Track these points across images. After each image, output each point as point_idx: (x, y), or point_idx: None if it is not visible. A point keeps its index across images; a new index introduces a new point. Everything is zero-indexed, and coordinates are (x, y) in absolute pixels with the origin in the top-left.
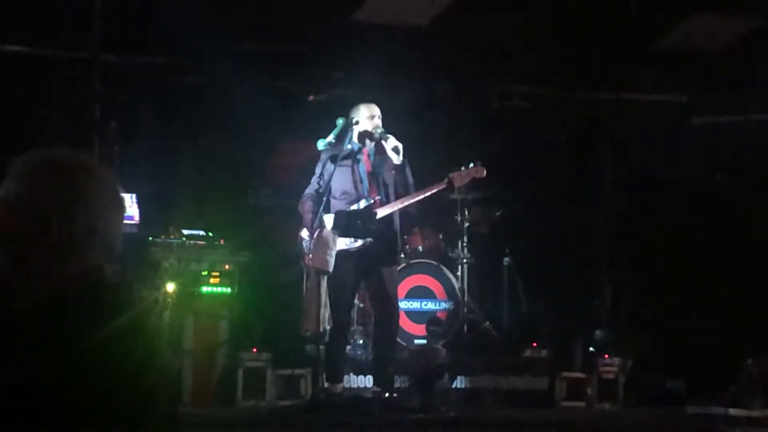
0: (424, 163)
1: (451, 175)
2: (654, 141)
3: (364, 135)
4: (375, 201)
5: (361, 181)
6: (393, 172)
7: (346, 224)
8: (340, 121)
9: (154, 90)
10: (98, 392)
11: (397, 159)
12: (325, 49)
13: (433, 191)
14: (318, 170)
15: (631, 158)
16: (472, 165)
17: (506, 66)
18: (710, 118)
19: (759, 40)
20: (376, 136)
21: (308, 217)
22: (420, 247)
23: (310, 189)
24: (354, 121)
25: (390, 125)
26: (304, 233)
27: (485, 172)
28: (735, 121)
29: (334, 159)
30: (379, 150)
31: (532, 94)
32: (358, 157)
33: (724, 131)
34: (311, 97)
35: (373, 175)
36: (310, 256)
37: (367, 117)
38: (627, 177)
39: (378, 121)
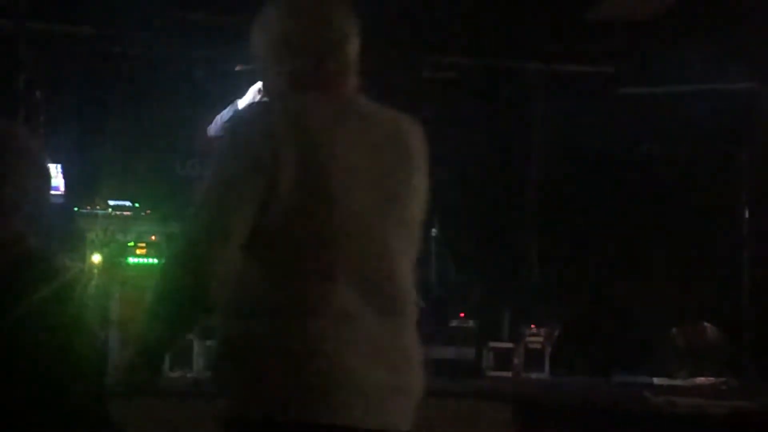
0: None
1: None
2: (583, 111)
3: None
4: None
5: None
6: None
7: None
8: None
9: (81, 59)
10: (24, 362)
11: None
12: (253, 18)
13: None
14: None
15: (560, 128)
16: None
17: (437, 36)
18: (639, 89)
19: (688, 9)
20: None
21: None
22: None
23: None
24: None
25: None
26: None
27: None
28: (664, 91)
29: None
30: None
31: (462, 65)
32: None
33: (653, 101)
34: (239, 67)
35: None
36: None
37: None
38: (556, 147)
39: None
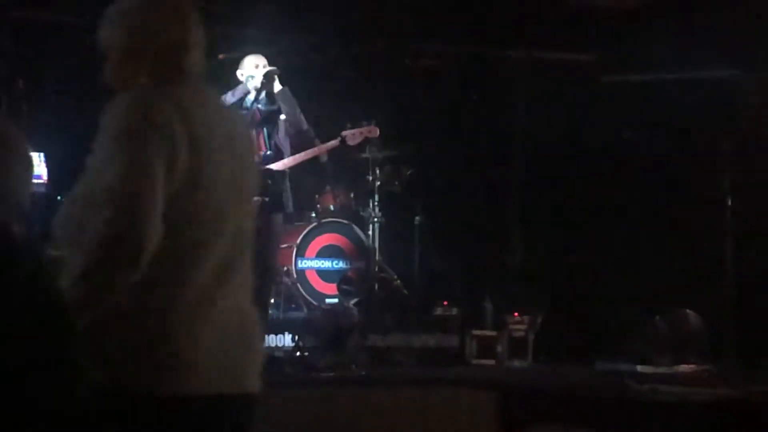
0: (335, 122)
1: (343, 133)
2: (565, 99)
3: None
4: (266, 155)
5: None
6: (284, 123)
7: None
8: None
9: (64, 48)
10: (6, 351)
11: (286, 109)
12: (236, 5)
13: (326, 149)
14: None
15: (542, 116)
16: (365, 123)
17: (419, 24)
18: (620, 77)
19: None
20: (264, 84)
21: None
22: (331, 206)
23: None
24: (248, 76)
25: (302, 84)
26: None
27: (378, 132)
28: (645, 79)
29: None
30: (269, 100)
31: (444, 53)
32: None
33: (634, 89)
34: (221, 56)
35: (260, 127)
36: None
37: (254, 67)
38: (538, 135)
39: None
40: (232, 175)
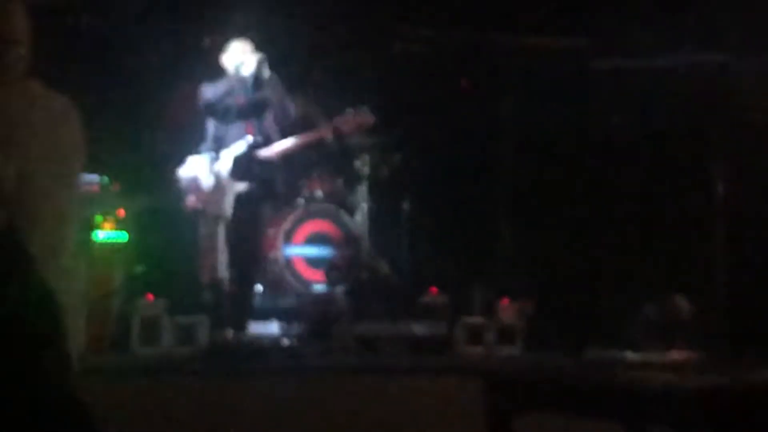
0: (323, 108)
1: (335, 120)
2: (554, 84)
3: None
4: (254, 142)
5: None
6: (272, 109)
7: (245, 170)
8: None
9: (50, 30)
10: None
11: (274, 95)
12: None
13: (317, 137)
14: None
15: (531, 102)
16: (360, 109)
17: (407, 8)
18: (610, 62)
19: None
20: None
21: None
22: (319, 192)
23: None
24: (238, 62)
25: (290, 68)
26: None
27: (372, 120)
28: (637, 65)
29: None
30: (257, 86)
31: (433, 38)
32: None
33: (624, 75)
34: (206, 40)
35: (248, 114)
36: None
37: (240, 53)
38: (528, 120)
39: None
40: (58, 163)
